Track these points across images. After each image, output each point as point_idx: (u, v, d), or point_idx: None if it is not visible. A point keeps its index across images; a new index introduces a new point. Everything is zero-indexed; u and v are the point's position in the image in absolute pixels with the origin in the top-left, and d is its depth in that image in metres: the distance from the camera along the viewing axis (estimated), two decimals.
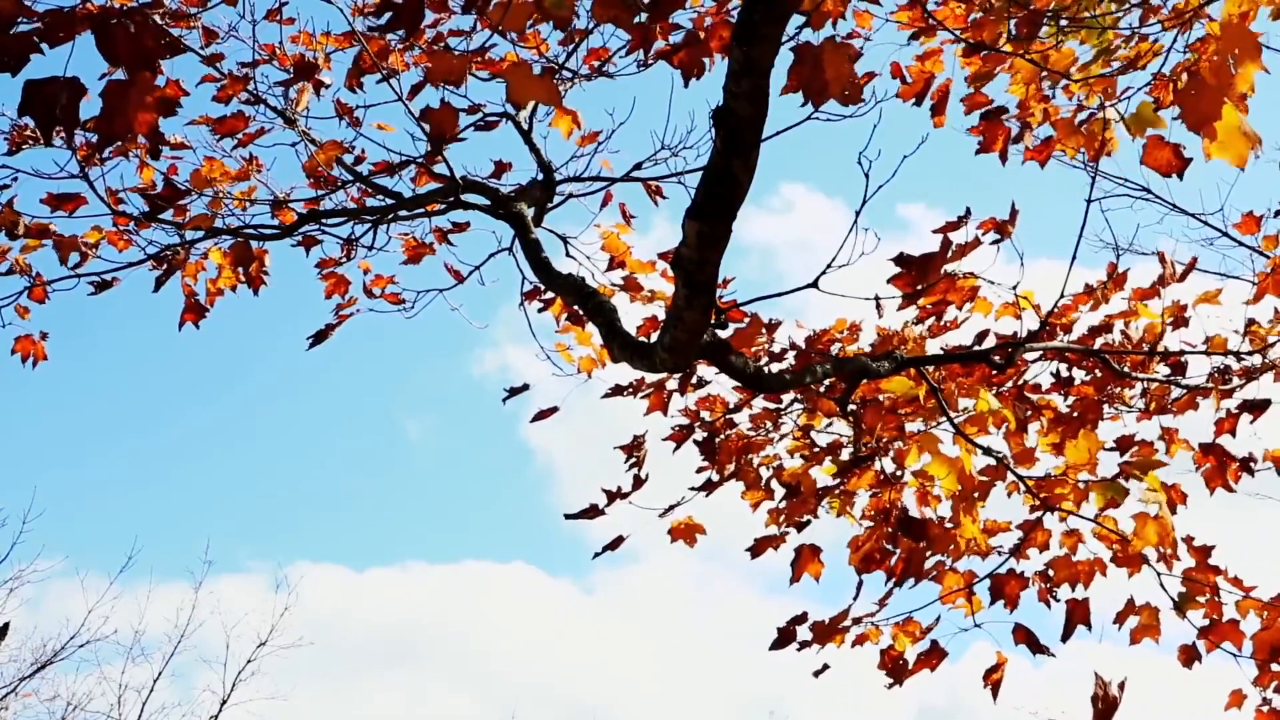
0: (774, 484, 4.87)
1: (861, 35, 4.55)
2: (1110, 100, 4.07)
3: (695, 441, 5.01)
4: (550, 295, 5.33)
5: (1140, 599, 4.35)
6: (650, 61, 4.84)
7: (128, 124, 2.55)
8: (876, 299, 4.39)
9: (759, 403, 5.01)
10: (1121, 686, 2.50)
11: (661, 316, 4.98)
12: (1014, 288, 4.44)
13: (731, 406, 5.04)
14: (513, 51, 4.90)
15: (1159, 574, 4.18)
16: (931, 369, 4.46)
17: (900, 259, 3.90)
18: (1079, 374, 4.91)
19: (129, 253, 4.72)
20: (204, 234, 4.61)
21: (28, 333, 4.83)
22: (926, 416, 4.57)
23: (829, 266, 3.58)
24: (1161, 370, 4.85)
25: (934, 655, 4.39)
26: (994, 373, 4.54)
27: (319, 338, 5.33)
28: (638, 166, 5.49)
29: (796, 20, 3.70)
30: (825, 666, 4.43)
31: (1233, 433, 4.73)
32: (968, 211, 4.10)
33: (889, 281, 3.96)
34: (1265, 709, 4.37)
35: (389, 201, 5.04)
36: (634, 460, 4.94)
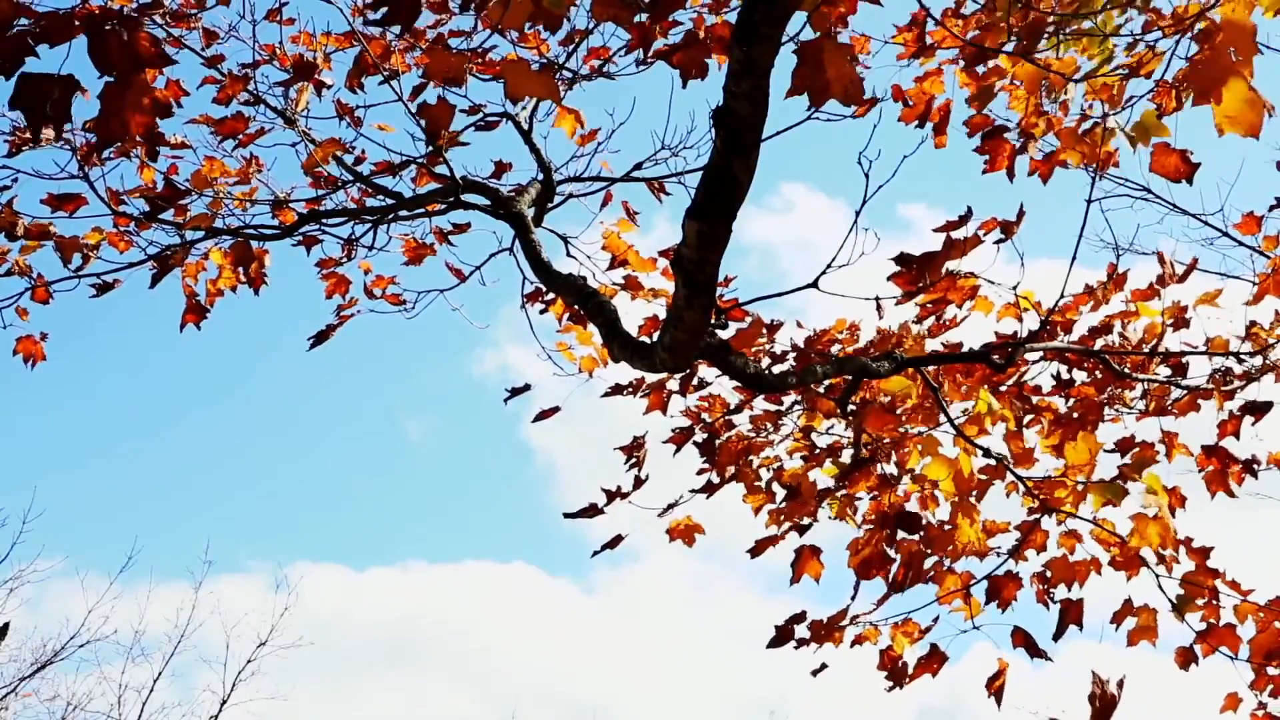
0: (774, 485, 4.86)
1: (860, 62, 4.57)
2: (1114, 109, 4.07)
3: (695, 443, 5.01)
4: (551, 296, 5.33)
5: (1139, 600, 4.35)
6: (650, 61, 4.84)
7: (124, 126, 2.54)
8: (877, 300, 4.39)
9: (760, 404, 5.01)
10: (1120, 685, 2.50)
11: (663, 315, 4.98)
12: (1014, 288, 4.44)
13: (732, 407, 5.04)
14: (513, 52, 4.91)
15: (1158, 576, 4.18)
16: (931, 369, 4.46)
17: (901, 258, 3.90)
18: (1079, 375, 4.91)
19: (130, 253, 4.72)
20: (204, 234, 4.61)
21: (29, 334, 4.83)
22: (926, 418, 4.57)
23: (829, 266, 3.59)
24: (1162, 371, 4.85)
25: (934, 660, 4.39)
26: (994, 373, 4.54)
27: (320, 338, 5.33)
28: (638, 166, 5.50)
29: (798, 20, 3.70)
30: (823, 666, 4.44)
31: (1236, 435, 4.73)
32: (969, 211, 4.10)
33: (889, 280, 3.96)
34: (1261, 713, 4.37)
35: (389, 201, 5.04)
36: (634, 461, 4.94)
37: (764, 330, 4.84)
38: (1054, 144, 4.28)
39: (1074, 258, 5.37)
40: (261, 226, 4.84)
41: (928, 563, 4.39)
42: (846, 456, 4.79)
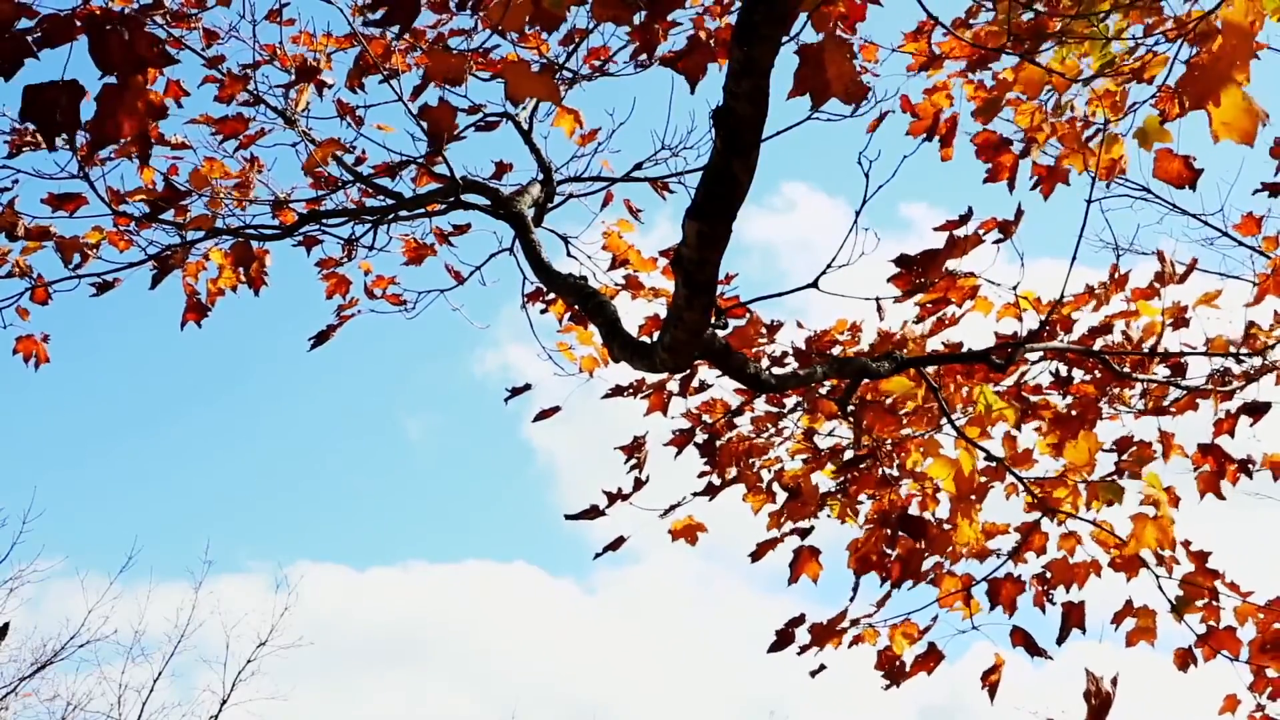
0: (775, 487, 4.86)
1: (869, 70, 4.57)
2: (1118, 115, 4.07)
3: (696, 444, 5.01)
4: (552, 296, 5.33)
5: (1139, 600, 4.35)
6: (650, 63, 4.84)
7: (119, 128, 2.54)
8: (878, 301, 4.39)
9: (761, 405, 5.01)
10: (1114, 681, 2.49)
11: (663, 315, 4.98)
12: (1014, 287, 4.44)
13: (733, 409, 5.03)
14: (513, 52, 4.91)
15: (1157, 577, 4.18)
16: (932, 370, 4.46)
17: (901, 259, 3.90)
18: (1078, 374, 4.91)
19: (130, 253, 4.72)
20: (205, 234, 4.61)
21: (29, 334, 4.83)
22: (927, 420, 4.57)
23: (829, 266, 3.58)
24: (1161, 371, 4.85)
25: (931, 658, 4.39)
26: (994, 373, 4.54)
27: (320, 339, 5.33)
28: (638, 166, 5.50)
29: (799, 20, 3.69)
30: (822, 667, 4.44)
31: (1231, 434, 4.72)
32: (969, 211, 4.10)
33: (889, 280, 3.96)
34: (1259, 715, 4.37)
35: (389, 202, 5.04)
36: (635, 461, 4.94)
37: (763, 330, 4.84)
38: (1057, 148, 4.28)
39: (1074, 258, 5.36)
40: (261, 226, 4.84)
41: (927, 563, 4.39)
42: (848, 457, 4.79)
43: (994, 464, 4.35)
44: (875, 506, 4.62)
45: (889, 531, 4.36)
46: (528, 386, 5.25)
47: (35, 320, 4.76)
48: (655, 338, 3.46)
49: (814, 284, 3.63)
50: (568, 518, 4.83)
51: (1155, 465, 4.43)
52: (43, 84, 2.45)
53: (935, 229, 4.08)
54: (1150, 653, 4.33)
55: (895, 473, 4.67)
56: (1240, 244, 8.63)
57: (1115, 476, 4.41)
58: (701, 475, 4.98)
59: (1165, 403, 4.88)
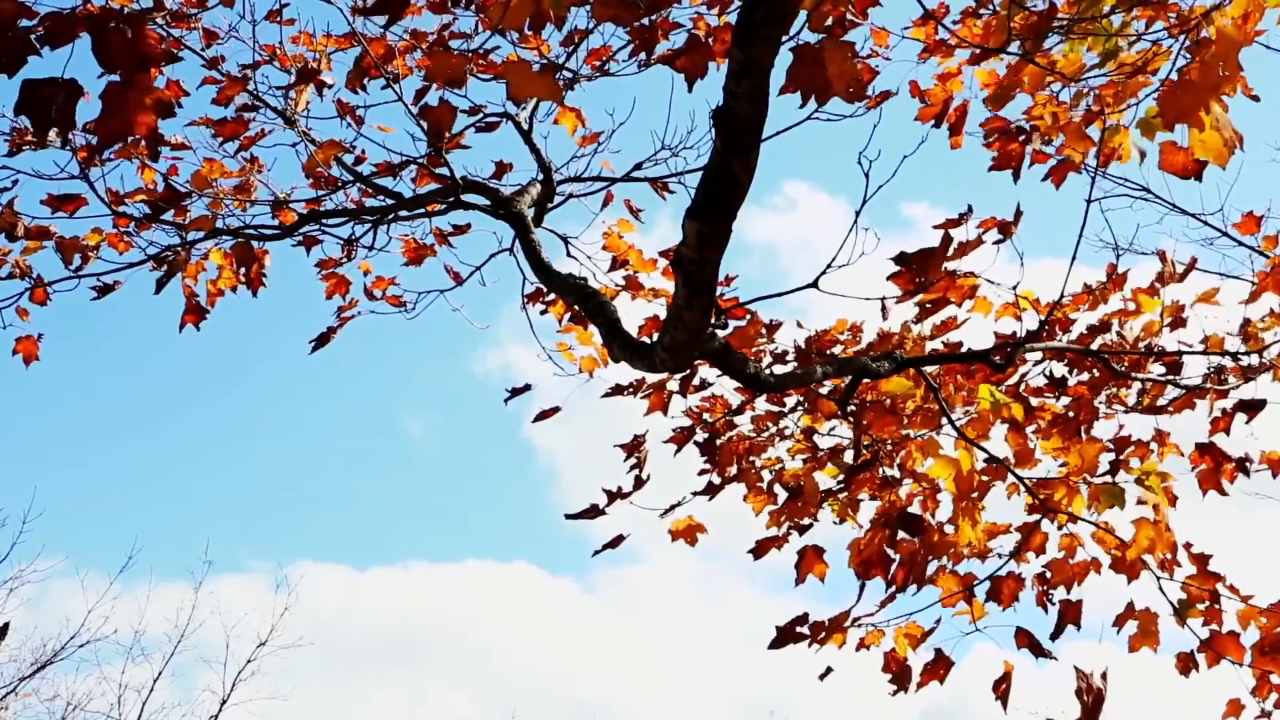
0: (776, 486, 4.86)
1: (880, 54, 4.56)
2: (1119, 105, 4.06)
3: (696, 443, 5.01)
4: (552, 296, 5.33)
5: (1141, 604, 4.34)
6: (651, 63, 4.84)
7: (126, 125, 2.54)
8: (882, 301, 4.39)
9: (761, 404, 5.01)
10: (1104, 676, 2.49)
11: (663, 315, 4.98)
12: (1014, 287, 4.44)
13: (733, 408, 5.03)
14: (514, 53, 4.91)
15: (1158, 579, 4.17)
16: (932, 370, 4.46)
17: (900, 257, 3.90)
18: (1076, 374, 4.91)
19: (129, 254, 4.72)
20: (205, 235, 4.61)
21: (28, 334, 4.83)
22: (928, 420, 4.56)
23: (829, 266, 3.58)
24: (1158, 370, 4.85)
25: (940, 666, 4.37)
26: (994, 373, 4.53)
27: (321, 341, 5.34)
28: (638, 166, 5.50)
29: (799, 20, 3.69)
30: (829, 670, 4.42)
31: (1227, 431, 4.72)
32: (969, 210, 4.10)
33: (889, 280, 3.95)
34: None
35: (389, 202, 5.04)
36: (635, 460, 4.94)
37: (763, 330, 4.84)
38: (1064, 150, 4.28)
39: (1074, 257, 5.37)
40: (261, 227, 4.84)
41: (930, 566, 4.38)
42: (848, 458, 4.79)
43: (994, 464, 4.35)
44: (879, 509, 4.62)
45: (890, 532, 4.36)
46: (528, 387, 5.25)
47: (35, 321, 4.76)
48: (655, 338, 3.46)
49: (814, 284, 3.63)
50: (568, 517, 4.83)
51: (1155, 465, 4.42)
52: (40, 79, 2.45)
53: (935, 227, 4.08)
54: (1152, 656, 4.32)
55: (896, 473, 4.67)
56: (1240, 244, 8.63)
57: (1111, 475, 4.41)
58: (702, 474, 4.98)
59: (1163, 402, 4.88)
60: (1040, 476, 4.41)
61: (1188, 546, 4.23)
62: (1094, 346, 4.76)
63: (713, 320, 3.41)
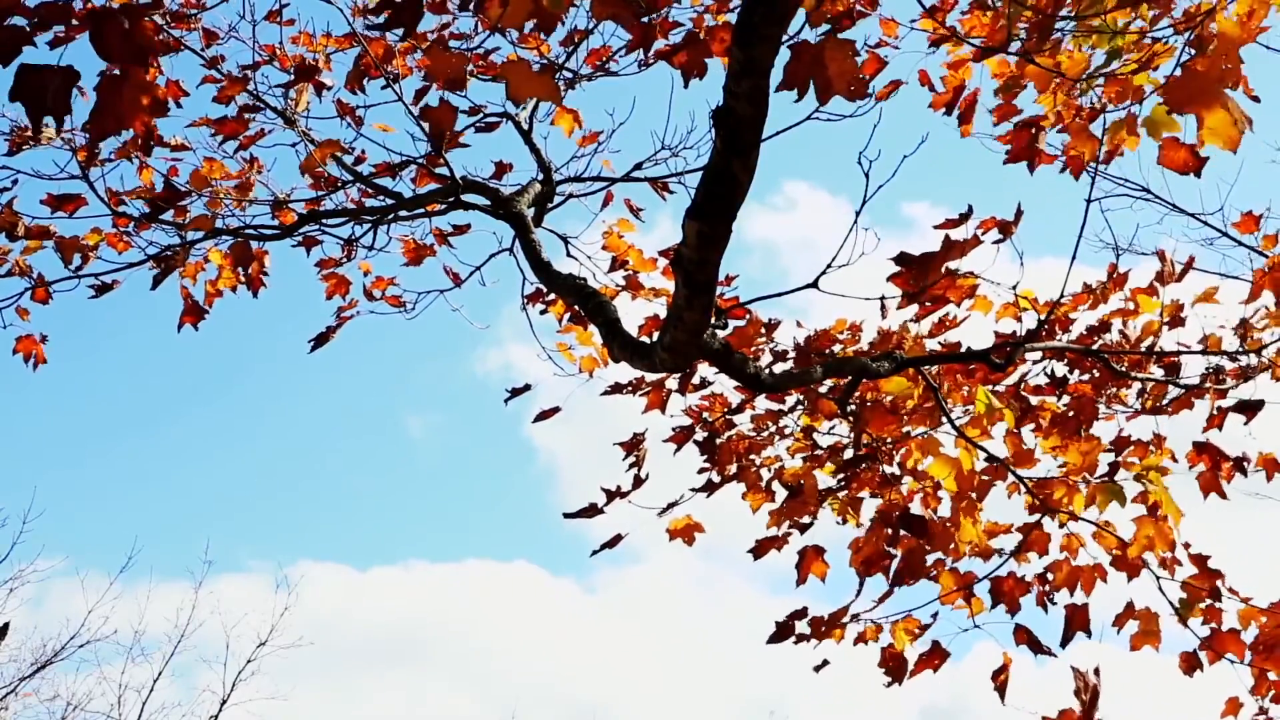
0: (775, 485, 4.86)
1: (889, 44, 4.57)
2: (1124, 102, 4.06)
3: (696, 442, 5.00)
4: (552, 296, 5.33)
5: (1141, 602, 4.34)
6: (650, 61, 4.85)
7: (120, 120, 2.53)
8: (882, 301, 4.38)
9: (761, 403, 5.01)
10: (1097, 671, 2.50)
11: (663, 315, 4.98)
12: (1014, 287, 4.44)
13: (733, 407, 5.03)
14: (514, 53, 4.91)
15: (1159, 579, 4.18)
16: (932, 369, 4.46)
17: (901, 258, 3.90)
18: (1075, 374, 4.91)
19: (129, 254, 4.72)
20: (204, 235, 4.61)
21: (29, 334, 4.83)
22: (927, 419, 4.56)
23: (829, 266, 3.58)
24: (1157, 370, 4.85)
25: (935, 656, 4.39)
26: (994, 373, 4.54)
27: (321, 340, 5.33)
28: (638, 166, 5.50)
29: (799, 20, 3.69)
30: (825, 662, 4.43)
31: (1220, 428, 4.71)
32: (969, 210, 4.09)
33: (889, 280, 3.95)
34: (1261, 718, 4.36)
35: (389, 202, 5.05)
36: (634, 459, 4.94)
37: (763, 330, 4.84)
38: (1065, 139, 4.27)
39: (1074, 257, 5.37)
40: (261, 227, 4.84)
41: (929, 559, 4.39)
42: (848, 456, 4.79)
43: (994, 464, 4.35)
44: (879, 507, 4.62)
45: (890, 531, 4.36)
46: (528, 387, 5.25)
47: (35, 320, 4.76)
48: (655, 338, 3.46)
49: (814, 284, 3.63)
50: (567, 516, 4.82)
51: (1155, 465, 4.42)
52: (36, 65, 2.41)
53: (935, 227, 4.08)
54: (1152, 655, 4.32)
55: (896, 471, 4.67)
56: (1239, 244, 8.63)
57: (1111, 475, 4.41)
58: (701, 472, 4.98)
59: (1163, 402, 4.88)
60: (1040, 476, 4.42)
61: (1187, 546, 4.23)
62: (1094, 346, 4.76)
63: (713, 320, 3.41)
